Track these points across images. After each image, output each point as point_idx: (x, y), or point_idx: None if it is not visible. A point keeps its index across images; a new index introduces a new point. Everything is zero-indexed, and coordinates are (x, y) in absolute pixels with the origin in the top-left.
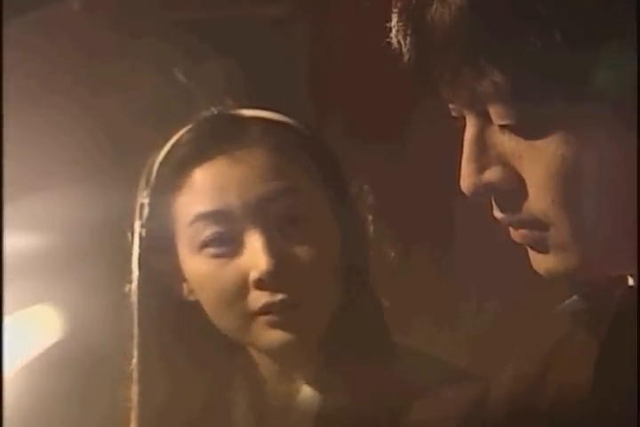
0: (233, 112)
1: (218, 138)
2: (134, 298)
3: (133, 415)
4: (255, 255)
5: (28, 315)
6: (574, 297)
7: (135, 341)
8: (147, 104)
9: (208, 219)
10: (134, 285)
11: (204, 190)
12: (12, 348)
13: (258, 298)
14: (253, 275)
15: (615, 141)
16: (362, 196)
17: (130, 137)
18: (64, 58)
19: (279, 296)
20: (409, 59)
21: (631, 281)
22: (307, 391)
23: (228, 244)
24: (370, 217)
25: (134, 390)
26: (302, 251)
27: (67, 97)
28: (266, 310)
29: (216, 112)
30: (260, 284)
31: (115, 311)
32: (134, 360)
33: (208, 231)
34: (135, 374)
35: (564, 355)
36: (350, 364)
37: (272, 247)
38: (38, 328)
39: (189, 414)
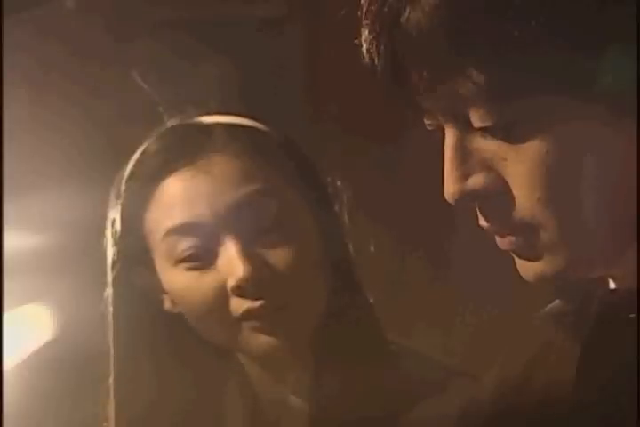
0: (196, 120)
1: (181, 149)
2: (110, 316)
3: None
4: (231, 263)
5: (22, 314)
6: (557, 300)
7: (112, 357)
8: (142, 105)
9: (180, 232)
10: (109, 301)
11: (171, 204)
12: (6, 346)
13: (239, 305)
14: (231, 283)
15: (603, 139)
16: (340, 193)
17: (125, 138)
18: (59, 58)
19: (259, 302)
20: (383, 71)
21: (612, 284)
22: (299, 395)
23: (203, 255)
24: (346, 214)
25: (111, 408)
26: (280, 254)
27: (63, 98)
28: (247, 315)
29: (178, 122)
30: (239, 291)
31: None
32: (111, 378)
33: (182, 245)
34: (111, 392)
35: (549, 356)
36: (343, 365)
37: (247, 254)
38: (31, 327)
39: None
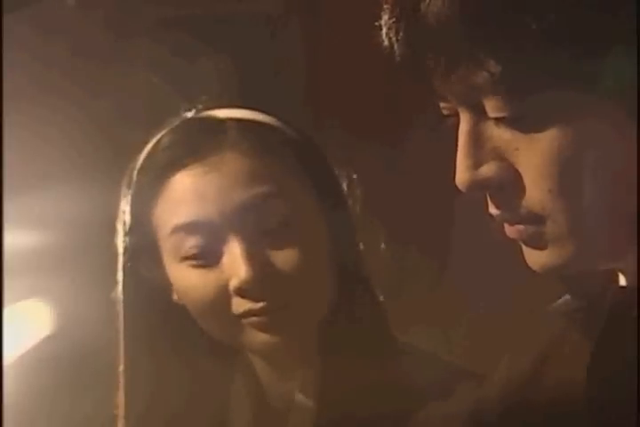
0: (209, 114)
1: (192, 144)
2: (120, 305)
3: (120, 424)
4: (234, 264)
5: (21, 310)
6: (567, 296)
7: (122, 347)
8: (141, 104)
9: (186, 230)
10: (119, 290)
11: (180, 201)
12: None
13: (240, 304)
14: (233, 283)
15: (615, 132)
16: (352, 189)
17: (125, 137)
18: (59, 56)
19: (260, 304)
20: (401, 55)
21: (623, 280)
22: (306, 392)
23: (208, 254)
24: (359, 208)
25: (121, 397)
26: (285, 255)
27: (63, 97)
28: (248, 315)
29: (193, 115)
30: (241, 292)
31: (107, 309)
32: (121, 367)
33: (187, 243)
34: (122, 381)
35: (558, 353)
36: (351, 363)
37: (251, 255)
38: (30, 324)
39: (183, 419)
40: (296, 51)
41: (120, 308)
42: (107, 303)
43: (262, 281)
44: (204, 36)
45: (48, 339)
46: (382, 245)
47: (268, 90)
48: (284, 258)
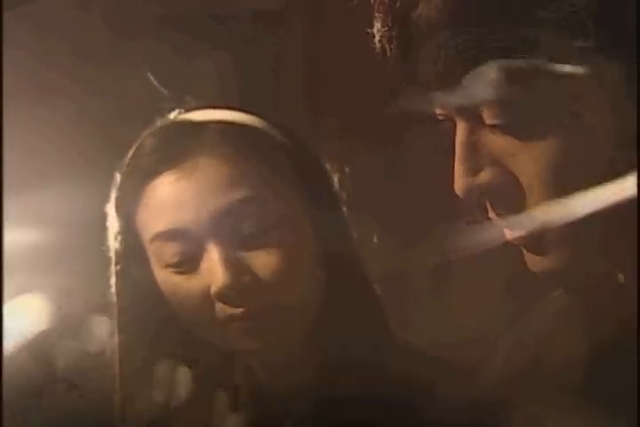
0: (192, 116)
1: (171, 149)
2: (115, 307)
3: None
4: (212, 270)
5: (20, 306)
6: (561, 291)
7: (118, 349)
8: (141, 103)
9: (165, 238)
10: (112, 291)
11: (157, 208)
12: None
13: (222, 310)
14: (213, 290)
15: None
16: (344, 184)
17: (123, 136)
18: (58, 56)
19: (240, 310)
20: (394, 62)
21: (622, 278)
22: (303, 393)
23: (188, 260)
24: (352, 205)
25: (118, 397)
26: (266, 260)
27: (62, 96)
28: (232, 320)
29: (175, 116)
30: (221, 298)
31: (106, 308)
32: (117, 368)
33: (168, 251)
34: (118, 381)
35: (554, 348)
36: (349, 361)
37: (229, 261)
38: (29, 320)
39: (182, 419)
40: (296, 49)
41: (115, 310)
42: (104, 301)
43: (241, 286)
44: (203, 35)
45: (46, 335)
46: (375, 240)
47: (267, 89)
48: (264, 262)
